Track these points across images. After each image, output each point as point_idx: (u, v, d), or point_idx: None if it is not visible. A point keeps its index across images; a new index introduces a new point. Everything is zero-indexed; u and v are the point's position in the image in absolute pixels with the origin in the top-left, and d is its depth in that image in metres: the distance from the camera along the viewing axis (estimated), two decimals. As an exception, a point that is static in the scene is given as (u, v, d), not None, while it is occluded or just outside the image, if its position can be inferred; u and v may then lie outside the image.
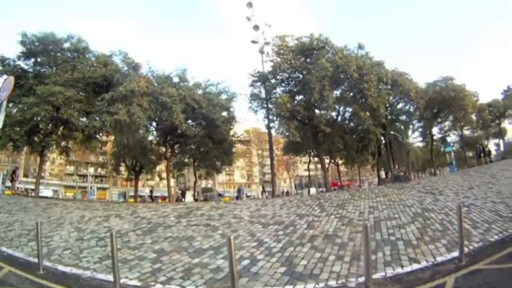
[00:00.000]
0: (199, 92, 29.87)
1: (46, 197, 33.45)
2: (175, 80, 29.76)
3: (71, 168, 78.21)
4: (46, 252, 9.17)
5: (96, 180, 79.45)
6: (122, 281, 7.33)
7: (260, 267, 8.34)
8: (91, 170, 76.33)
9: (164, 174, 39.64)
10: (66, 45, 30.38)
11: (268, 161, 78.14)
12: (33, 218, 15.27)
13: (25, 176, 68.29)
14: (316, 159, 45.99)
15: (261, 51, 32.17)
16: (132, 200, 38.04)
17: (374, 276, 6.95)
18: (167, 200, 34.14)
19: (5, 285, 7.24)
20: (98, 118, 27.01)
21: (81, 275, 8.28)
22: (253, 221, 13.99)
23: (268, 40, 32.23)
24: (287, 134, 31.45)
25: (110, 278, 7.63)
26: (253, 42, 32.39)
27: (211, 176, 47.68)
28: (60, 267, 8.83)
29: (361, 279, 6.93)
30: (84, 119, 28.99)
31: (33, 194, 32.13)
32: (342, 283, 7.11)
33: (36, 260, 8.75)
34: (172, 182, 39.19)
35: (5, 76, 27.10)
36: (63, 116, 26.61)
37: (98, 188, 70.84)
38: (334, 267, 8.04)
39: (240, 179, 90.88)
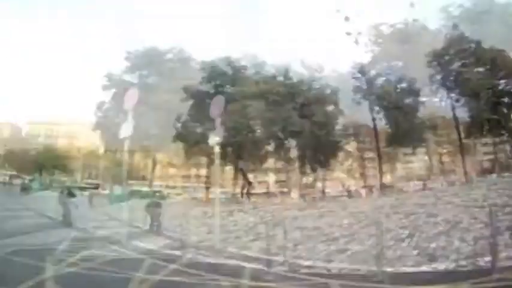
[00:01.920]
0: (304, 88, 30.52)
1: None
2: (280, 78, 30.57)
3: (172, 170, 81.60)
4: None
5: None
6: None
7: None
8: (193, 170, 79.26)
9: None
10: (169, 56, 32.61)
11: (367, 154, 76.53)
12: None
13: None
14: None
15: (356, 42, 32.36)
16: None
17: None
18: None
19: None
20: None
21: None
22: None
23: (361, 31, 32.46)
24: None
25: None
26: (348, 34, 32.75)
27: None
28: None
29: None
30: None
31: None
32: None
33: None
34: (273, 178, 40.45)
35: (113, 89, 30.09)
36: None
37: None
38: None
39: (341, 174, 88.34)
